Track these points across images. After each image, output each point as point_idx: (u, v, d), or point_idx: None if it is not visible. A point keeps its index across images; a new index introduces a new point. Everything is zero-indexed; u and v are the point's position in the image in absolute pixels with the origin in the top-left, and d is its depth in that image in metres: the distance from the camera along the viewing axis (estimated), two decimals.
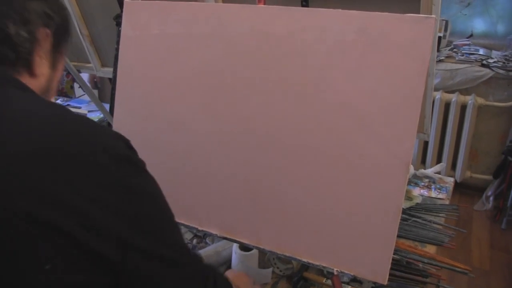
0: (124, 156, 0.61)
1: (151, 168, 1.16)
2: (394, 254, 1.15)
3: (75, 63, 2.09)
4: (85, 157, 0.57)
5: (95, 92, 3.48)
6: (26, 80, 0.68)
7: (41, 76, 0.71)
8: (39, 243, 0.54)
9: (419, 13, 1.14)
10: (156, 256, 0.62)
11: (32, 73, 0.69)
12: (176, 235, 0.69)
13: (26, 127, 0.58)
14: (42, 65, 0.71)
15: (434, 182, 1.69)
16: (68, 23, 0.77)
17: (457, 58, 2.99)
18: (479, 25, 3.21)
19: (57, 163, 0.55)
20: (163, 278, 0.63)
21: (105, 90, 3.58)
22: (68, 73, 3.00)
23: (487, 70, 2.87)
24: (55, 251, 0.54)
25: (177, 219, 1.14)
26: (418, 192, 1.62)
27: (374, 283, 0.98)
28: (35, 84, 0.70)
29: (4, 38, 0.65)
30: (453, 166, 3.18)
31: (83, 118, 0.64)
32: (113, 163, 0.59)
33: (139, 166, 0.64)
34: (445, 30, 3.06)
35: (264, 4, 1.22)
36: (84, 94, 2.65)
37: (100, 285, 0.58)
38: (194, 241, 1.35)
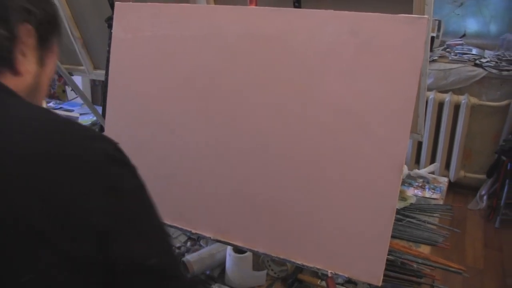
0: (116, 158, 0.60)
1: (144, 171, 1.15)
2: (388, 254, 1.15)
3: (67, 66, 2.08)
4: (76, 159, 0.56)
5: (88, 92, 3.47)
6: (9, 79, 0.65)
7: (26, 74, 0.67)
8: (28, 245, 0.53)
9: (411, 14, 1.15)
10: (146, 268, 0.60)
11: (15, 72, 0.66)
12: (167, 244, 0.66)
13: (15, 131, 0.56)
14: (26, 63, 0.67)
15: (428, 182, 1.70)
16: (55, 17, 0.72)
17: (450, 58, 3.00)
18: (472, 25, 3.23)
19: (47, 167, 0.54)
20: None
21: (98, 93, 3.58)
22: (60, 77, 2.98)
23: (480, 70, 2.88)
24: (39, 258, 0.53)
25: (171, 222, 1.14)
26: (412, 192, 1.62)
27: (369, 284, 0.97)
28: (20, 82, 0.67)
29: None
30: (447, 165, 3.19)
31: (73, 122, 0.62)
32: (104, 165, 0.58)
33: (131, 170, 0.62)
34: (438, 30, 3.07)
35: (256, 5, 1.22)
36: (77, 97, 2.63)
37: None
38: (188, 243, 1.34)
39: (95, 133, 0.62)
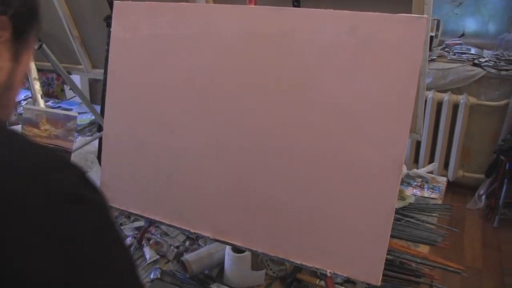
0: (77, 194, 0.49)
1: (144, 171, 1.15)
2: (387, 254, 1.15)
3: (66, 65, 2.08)
4: (15, 195, 0.45)
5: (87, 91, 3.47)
6: None
7: None
8: None
9: (411, 13, 1.15)
10: None
11: None
12: None
13: None
14: None
15: (426, 182, 1.70)
16: (33, 8, 0.63)
17: (449, 58, 3.00)
18: (470, 24, 3.23)
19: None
20: None
21: (96, 92, 3.57)
22: (59, 76, 2.98)
23: (479, 69, 2.88)
24: None
25: (170, 222, 1.14)
26: (411, 192, 1.62)
27: (368, 283, 0.97)
28: None
29: None
30: (446, 165, 3.19)
31: (41, 147, 0.52)
32: (58, 204, 0.46)
33: (95, 206, 0.51)
34: (437, 29, 3.07)
35: (255, 4, 1.21)
36: (75, 96, 2.63)
37: None
38: (187, 243, 1.34)
39: (60, 162, 0.51)
